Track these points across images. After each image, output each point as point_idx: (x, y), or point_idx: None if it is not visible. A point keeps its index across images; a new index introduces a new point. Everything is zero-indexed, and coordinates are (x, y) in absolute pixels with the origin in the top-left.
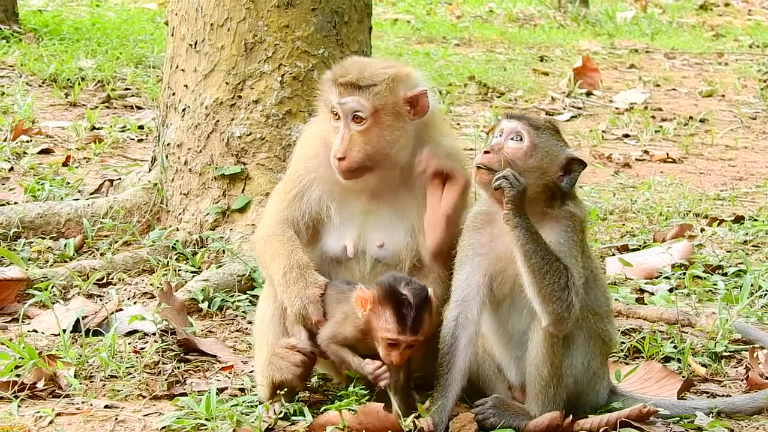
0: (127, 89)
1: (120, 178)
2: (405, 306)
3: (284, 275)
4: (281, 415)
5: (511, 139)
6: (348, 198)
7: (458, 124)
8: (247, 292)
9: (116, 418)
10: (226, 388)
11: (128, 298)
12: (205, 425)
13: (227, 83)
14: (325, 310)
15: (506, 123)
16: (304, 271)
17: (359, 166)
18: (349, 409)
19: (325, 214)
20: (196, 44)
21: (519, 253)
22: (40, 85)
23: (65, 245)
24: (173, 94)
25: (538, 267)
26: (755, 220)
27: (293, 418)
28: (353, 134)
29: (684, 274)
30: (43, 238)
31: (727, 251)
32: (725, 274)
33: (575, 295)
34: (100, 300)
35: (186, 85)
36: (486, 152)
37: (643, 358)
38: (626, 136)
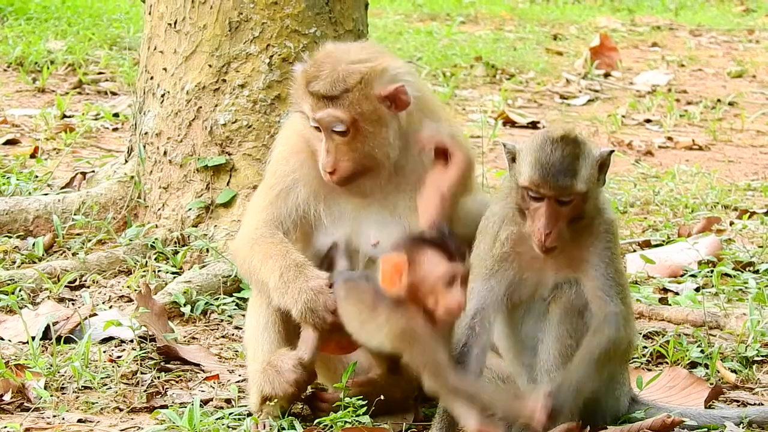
0: (100, 73)
1: (93, 171)
2: (440, 238)
3: (281, 276)
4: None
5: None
6: (336, 197)
7: (464, 109)
8: (234, 294)
9: None
10: (211, 400)
11: (103, 302)
12: None
13: (210, 66)
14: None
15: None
16: (302, 269)
17: (352, 173)
18: (345, 422)
19: (312, 214)
20: (175, 23)
21: None
22: (5, 70)
23: (34, 244)
24: (151, 78)
25: None
26: None
27: None
28: (338, 145)
29: (712, 271)
30: (10, 237)
31: (759, 246)
32: (757, 272)
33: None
34: (73, 304)
35: (165, 69)
36: (547, 235)
37: (667, 363)
38: (648, 121)
